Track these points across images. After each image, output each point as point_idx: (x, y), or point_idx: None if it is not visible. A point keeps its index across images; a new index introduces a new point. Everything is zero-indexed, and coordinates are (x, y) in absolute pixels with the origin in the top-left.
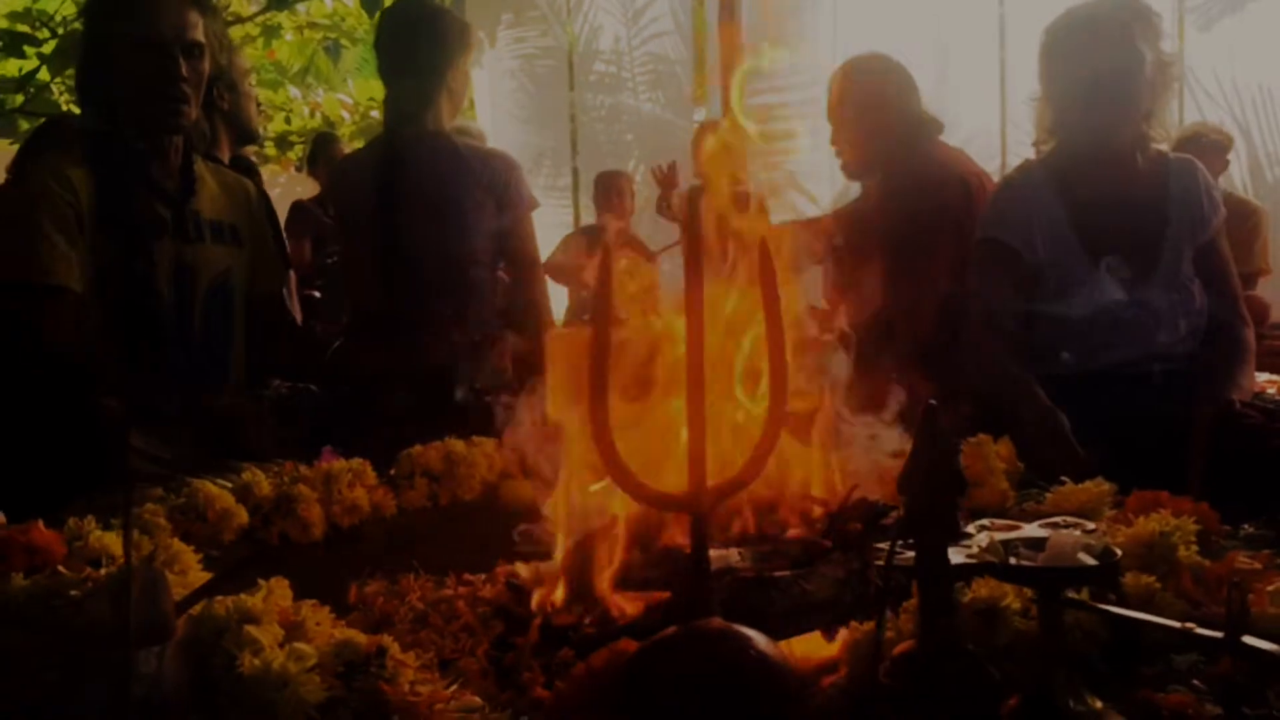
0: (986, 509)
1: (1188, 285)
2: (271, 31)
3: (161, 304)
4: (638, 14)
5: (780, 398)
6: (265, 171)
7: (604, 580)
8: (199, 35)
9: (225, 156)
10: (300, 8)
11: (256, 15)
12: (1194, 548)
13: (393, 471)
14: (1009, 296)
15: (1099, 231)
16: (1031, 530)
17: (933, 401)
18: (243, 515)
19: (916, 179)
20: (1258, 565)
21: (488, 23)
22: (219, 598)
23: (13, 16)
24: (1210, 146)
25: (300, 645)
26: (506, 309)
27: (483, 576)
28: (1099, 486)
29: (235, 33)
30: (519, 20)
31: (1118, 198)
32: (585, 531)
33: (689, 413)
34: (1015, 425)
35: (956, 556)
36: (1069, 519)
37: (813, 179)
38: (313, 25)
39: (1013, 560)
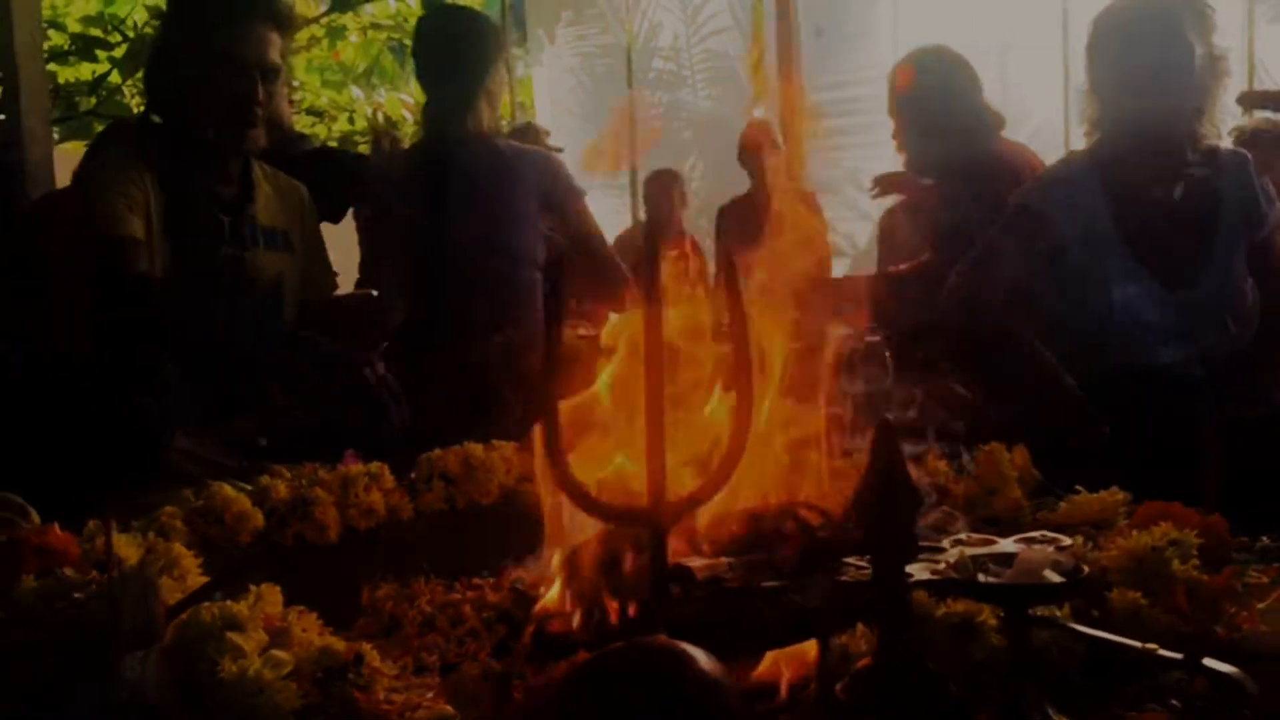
0: (1000, 518)
1: (1239, 284)
2: (336, 33)
3: (216, 308)
4: (696, 10)
5: (745, 413)
6: None
7: (599, 588)
8: (277, 57)
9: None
10: (366, 9)
11: (321, 17)
12: (1193, 562)
13: (412, 475)
14: (1033, 264)
15: (1144, 228)
16: (1006, 545)
17: (889, 417)
18: (258, 518)
19: (976, 177)
20: (1264, 579)
21: (547, 21)
22: (205, 604)
23: (86, 21)
24: (1274, 141)
25: (277, 652)
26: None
27: (490, 580)
28: (1113, 496)
29: (301, 34)
30: (579, 18)
31: (1165, 194)
32: (583, 537)
33: (648, 426)
34: (1019, 389)
35: (921, 573)
36: (1047, 534)
37: (874, 175)
38: (376, 26)
39: (980, 576)
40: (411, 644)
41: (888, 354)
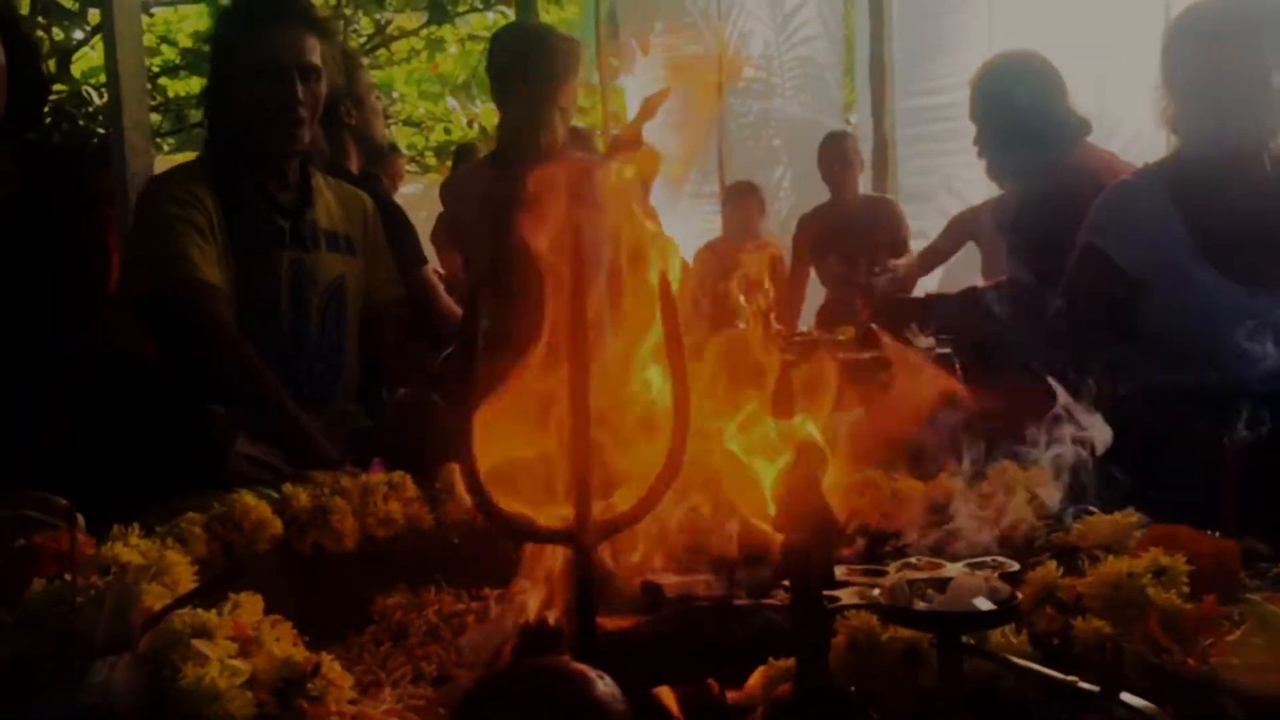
0: (1013, 539)
1: None
2: (435, 45)
3: (281, 312)
4: (787, 19)
5: (681, 432)
6: (424, 180)
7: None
8: (316, 59)
9: (355, 169)
10: (464, 20)
11: (420, 29)
12: (1179, 589)
13: (436, 485)
14: (1100, 307)
15: (1220, 240)
16: (953, 570)
17: (814, 437)
18: (277, 525)
19: (1054, 184)
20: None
21: (641, 30)
22: (179, 611)
23: (196, 36)
24: None
25: (234, 661)
26: None
27: (497, 592)
28: (1127, 518)
29: (401, 47)
30: (671, 27)
31: (1241, 203)
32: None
33: (573, 442)
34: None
35: (852, 598)
36: (998, 559)
37: (968, 182)
38: (473, 38)
39: (917, 602)
40: (414, 653)
41: (957, 365)
